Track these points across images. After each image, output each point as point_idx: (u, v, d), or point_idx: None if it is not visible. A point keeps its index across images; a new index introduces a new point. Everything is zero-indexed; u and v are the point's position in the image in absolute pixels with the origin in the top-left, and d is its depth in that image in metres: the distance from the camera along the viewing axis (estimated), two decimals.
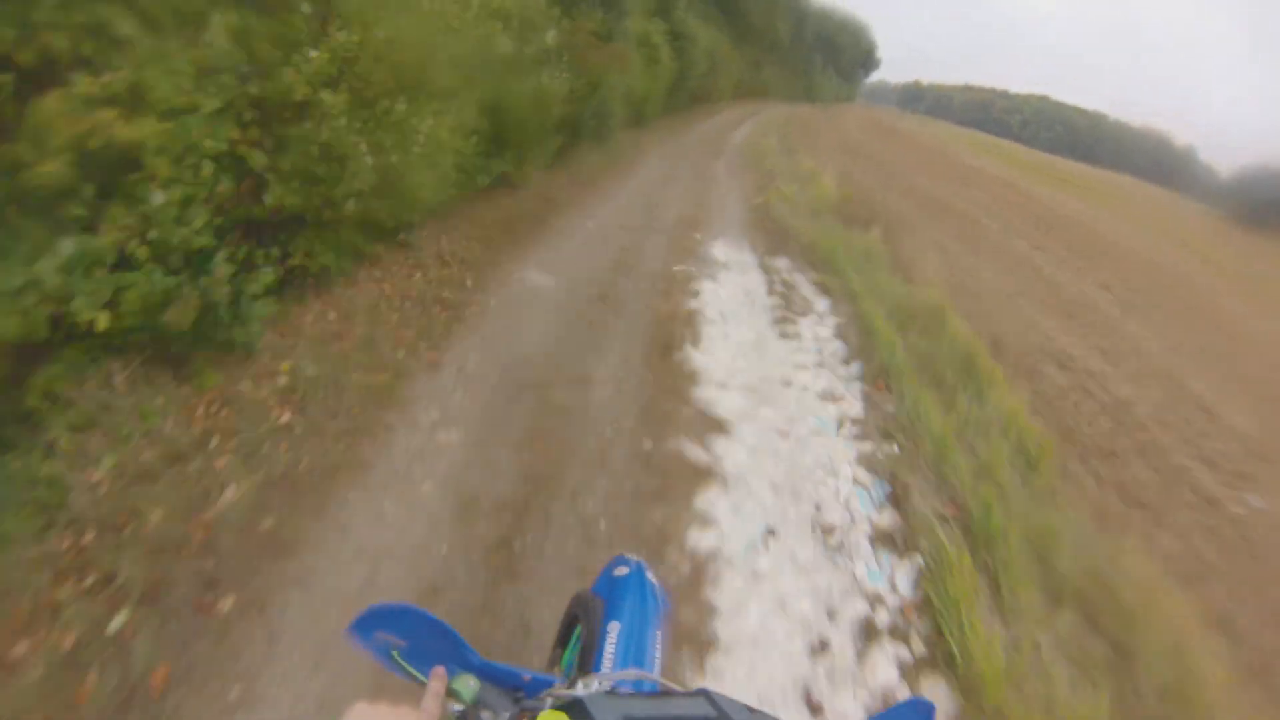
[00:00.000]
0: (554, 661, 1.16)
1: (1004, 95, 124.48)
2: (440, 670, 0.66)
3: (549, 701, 0.58)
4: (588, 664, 0.94)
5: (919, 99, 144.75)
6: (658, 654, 0.99)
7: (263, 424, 2.50)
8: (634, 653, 0.94)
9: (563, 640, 1.16)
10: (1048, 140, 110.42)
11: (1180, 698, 2.27)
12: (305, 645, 1.79)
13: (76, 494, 1.93)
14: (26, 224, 1.76)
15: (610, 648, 0.94)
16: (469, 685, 0.68)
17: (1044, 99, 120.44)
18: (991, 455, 3.37)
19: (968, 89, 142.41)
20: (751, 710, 0.56)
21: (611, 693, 0.60)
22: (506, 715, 0.66)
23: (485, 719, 0.66)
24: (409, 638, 0.79)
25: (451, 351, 3.46)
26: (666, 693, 0.64)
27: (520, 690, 0.78)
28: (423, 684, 0.65)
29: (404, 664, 0.79)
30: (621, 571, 1.11)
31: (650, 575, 1.13)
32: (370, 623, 0.78)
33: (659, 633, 1.02)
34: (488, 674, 0.77)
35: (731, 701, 0.55)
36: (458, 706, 0.67)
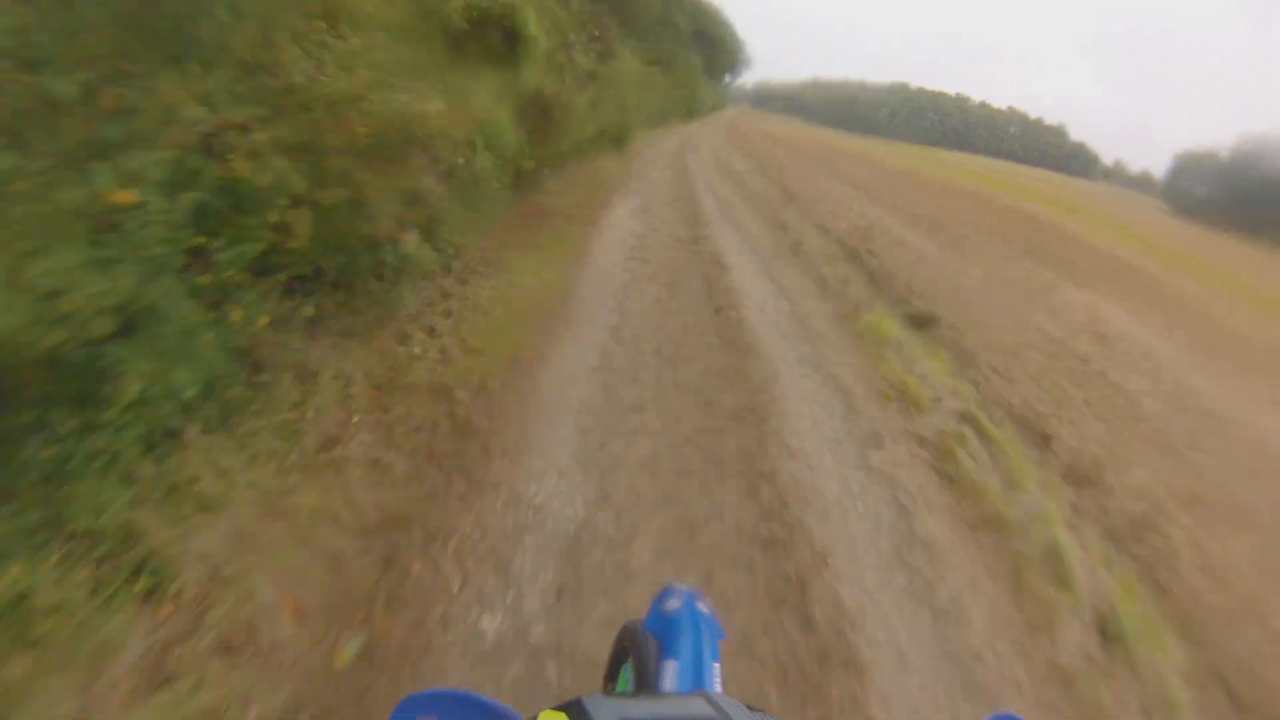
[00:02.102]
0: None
1: (863, 87, 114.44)
2: None
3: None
4: None
5: (771, 99, 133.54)
6: (718, 686, 0.94)
7: None
8: (693, 689, 0.92)
9: (612, 674, 1.10)
10: (923, 131, 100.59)
11: None
12: None
13: None
14: None
15: (669, 688, 0.90)
16: None
17: (904, 86, 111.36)
18: None
19: (815, 84, 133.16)
20: (751, 709, 0.57)
21: (610, 693, 0.63)
22: None
23: None
24: (450, 718, 0.69)
25: None
26: (665, 693, 0.70)
27: None
28: None
29: None
30: (673, 605, 1.06)
31: (702, 605, 1.08)
32: (409, 710, 0.68)
33: (717, 664, 0.97)
34: None
35: (731, 701, 0.57)
36: None
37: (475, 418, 3.01)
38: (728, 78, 60.58)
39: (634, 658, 0.99)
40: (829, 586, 2.36)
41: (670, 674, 0.91)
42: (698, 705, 0.55)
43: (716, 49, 40.57)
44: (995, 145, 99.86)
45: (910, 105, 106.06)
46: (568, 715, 0.51)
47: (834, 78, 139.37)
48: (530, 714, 0.55)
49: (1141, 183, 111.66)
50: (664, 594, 1.10)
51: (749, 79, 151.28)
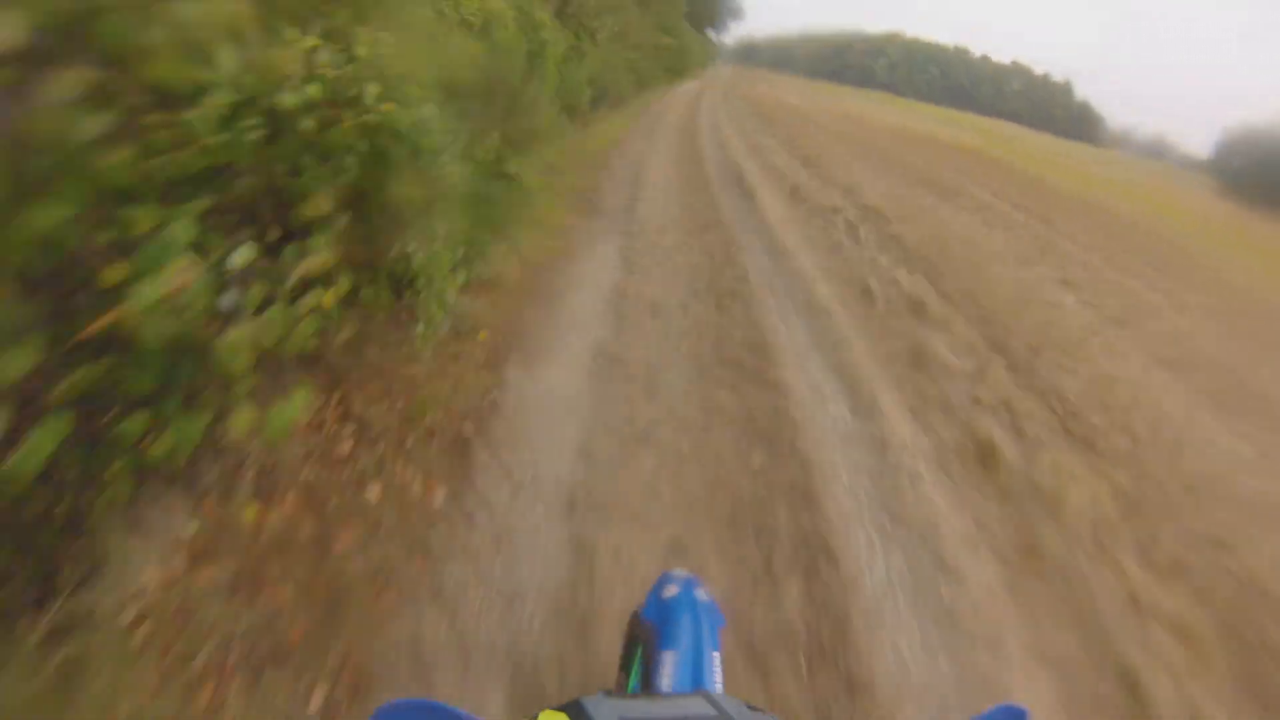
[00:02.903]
0: (620, 685, 1.05)
1: (857, 36, 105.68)
2: None
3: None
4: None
5: (757, 55, 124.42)
6: (718, 676, 0.91)
7: None
8: (691, 681, 0.90)
9: (626, 664, 1.06)
10: (925, 85, 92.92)
11: None
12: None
13: None
14: None
15: (666, 679, 0.89)
16: None
17: (900, 35, 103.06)
18: None
19: (808, 38, 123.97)
20: (752, 708, 0.55)
21: (610, 693, 0.59)
22: None
23: None
24: None
25: None
26: (665, 693, 0.69)
27: None
28: None
29: None
30: (671, 592, 1.04)
31: (701, 591, 1.04)
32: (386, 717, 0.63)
33: (717, 654, 0.93)
34: None
35: (731, 700, 0.55)
36: None
37: None
38: (712, 32, 52.67)
39: (643, 647, 0.97)
40: None
41: (668, 665, 0.88)
42: (698, 705, 0.54)
43: None
44: (999, 103, 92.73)
45: (911, 58, 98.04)
46: (567, 715, 0.50)
47: (825, 29, 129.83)
48: (530, 714, 0.54)
49: (1157, 149, 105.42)
50: (662, 581, 1.07)
51: (733, 33, 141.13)
